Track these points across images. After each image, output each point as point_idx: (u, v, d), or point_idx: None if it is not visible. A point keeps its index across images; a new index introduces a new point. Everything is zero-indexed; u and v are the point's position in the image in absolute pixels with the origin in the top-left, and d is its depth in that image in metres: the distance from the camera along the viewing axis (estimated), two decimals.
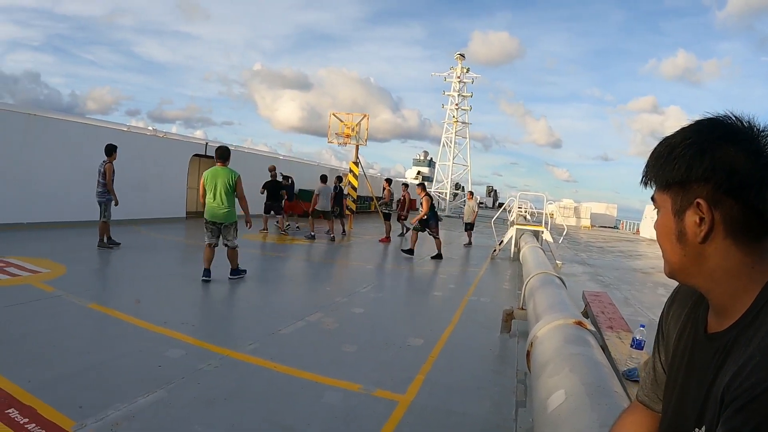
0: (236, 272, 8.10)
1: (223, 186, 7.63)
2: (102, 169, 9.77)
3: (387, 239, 16.17)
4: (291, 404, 3.85)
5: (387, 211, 17.08)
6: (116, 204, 9.91)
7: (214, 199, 7.67)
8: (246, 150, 22.21)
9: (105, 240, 9.92)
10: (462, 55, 53.60)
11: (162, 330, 5.25)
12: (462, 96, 53.67)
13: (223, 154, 7.81)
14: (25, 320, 5.25)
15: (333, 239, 14.85)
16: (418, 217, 13.01)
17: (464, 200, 24.44)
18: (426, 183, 16.68)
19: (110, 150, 9.90)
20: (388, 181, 17.58)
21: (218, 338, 5.19)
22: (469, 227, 17.72)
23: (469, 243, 17.16)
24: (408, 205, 17.90)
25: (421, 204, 13.11)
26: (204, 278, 7.67)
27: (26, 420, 3.18)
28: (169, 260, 10.12)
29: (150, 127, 17.04)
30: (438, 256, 12.68)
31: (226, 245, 7.92)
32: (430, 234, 13.16)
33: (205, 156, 18.54)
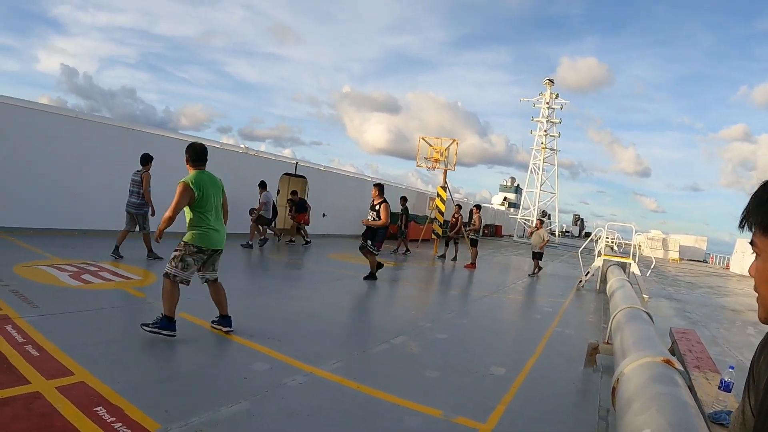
0: (226, 321, 5.72)
1: (219, 201, 5.64)
2: (138, 179, 9.73)
3: (473, 265, 15.87)
4: (372, 425, 3.75)
5: (475, 237, 16.77)
6: (153, 214, 9.81)
7: (216, 219, 5.51)
8: (335, 171, 22.71)
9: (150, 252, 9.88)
10: (551, 81, 52.80)
11: (248, 343, 5.32)
12: (551, 122, 52.74)
13: (203, 154, 5.71)
14: (118, 324, 5.53)
15: (400, 252, 15.01)
16: (472, 228, 14.61)
17: (530, 224, 23.75)
18: (513, 209, 16.79)
19: (146, 159, 9.90)
20: (477, 207, 17.28)
21: (303, 355, 5.16)
22: (538, 256, 16.97)
23: (534, 273, 16.36)
24: (459, 227, 17.88)
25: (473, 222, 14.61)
26: (171, 334, 5.14)
27: (113, 419, 3.25)
28: (256, 275, 10.40)
29: (242, 145, 17.80)
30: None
31: (209, 279, 5.70)
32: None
33: (295, 175, 19.22)
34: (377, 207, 10.31)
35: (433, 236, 20.38)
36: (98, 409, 3.36)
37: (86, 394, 3.58)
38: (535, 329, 8.07)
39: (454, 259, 17.78)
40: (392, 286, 10.91)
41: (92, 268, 8.06)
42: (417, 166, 20.99)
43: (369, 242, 10.43)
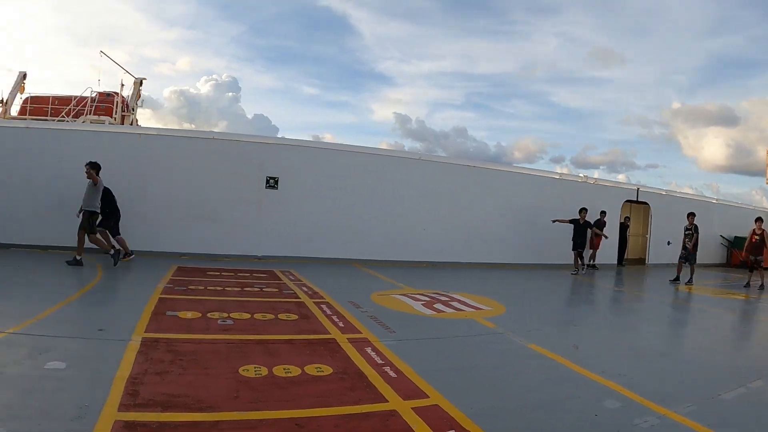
0: None
1: None
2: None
3: None
4: None
5: None
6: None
7: None
8: (677, 194, 20.64)
9: None
10: None
11: (599, 378, 4.97)
12: None
13: None
14: (471, 353, 5.73)
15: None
16: None
17: None
18: None
19: None
20: None
21: (654, 393, 4.62)
22: None
23: None
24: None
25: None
26: None
27: None
28: (602, 308, 9.97)
29: (581, 174, 17.54)
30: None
31: None
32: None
33: (637, 201, 18.28)
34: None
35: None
36: None
37: (440, 416, 3.70)
38: None
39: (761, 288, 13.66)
40: (745, 319, 9.72)
41: (443, 298, 8.59)
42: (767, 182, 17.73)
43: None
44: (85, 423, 3.41)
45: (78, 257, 10.12)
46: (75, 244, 10.25)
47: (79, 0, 66.08)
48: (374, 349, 5.30)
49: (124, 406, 3.67)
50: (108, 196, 10.86)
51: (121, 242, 10.89)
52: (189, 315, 6.47)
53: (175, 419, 3.52)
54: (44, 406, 3.70)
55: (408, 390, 4.15)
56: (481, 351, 5.77)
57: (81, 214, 10.31)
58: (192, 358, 4.81)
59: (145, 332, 5.60)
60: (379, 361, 4.88)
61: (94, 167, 10.35)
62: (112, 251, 10.43)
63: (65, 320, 6.18)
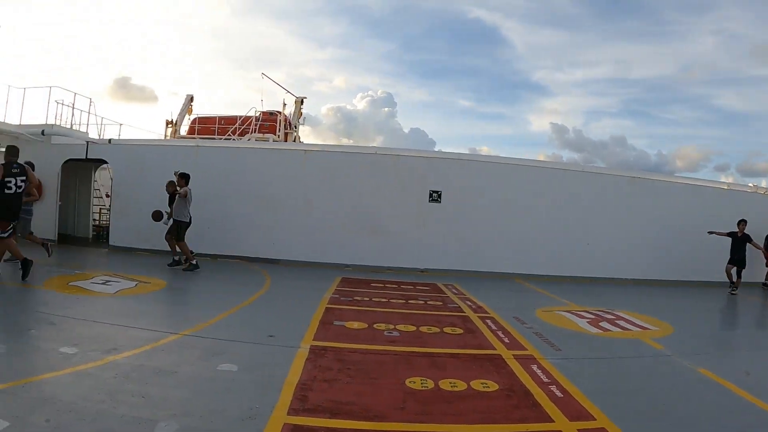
0: None
1: None
2: None
3: None
4: None
5: None
6: None
7: None
8: None
9: None
10: None
11: None
12: None
13: None
14: (638, 375, 5.48)
15: None
16: None
17: None
18: None
19: None
20: None
21: None
22: None
23: None
24: None
25: None
26: None
27: None
28: None
29: (750, 184, 15.72)
30: None
31: None
32: None
33: None
34: None
35: None
36: None
37: None
38: None
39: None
40: None
41: (609, 316, 8.24)
42: None
43: None
44: (255, 424, 3.71)
45: (175, 257, 11.38)
46: (234, 253, 11.89)
47: (234, 26, 72.85)
48: (540, 367, 5.28)
49: (293, 410, 3.93)
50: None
51: (183, 249, 11.50)
52: (356, 325, 6.87)
53: (343, 426, 3.72)
54: (216, 405, 4.05)
55: (574, 411, 4.10)
56: (649, 373, 5.53)
57: (170, 221, 11.41)
58: (359, 368, 5.10)
59: (313, 340, 6.04)
60: (545, 380, 4.86)
61: (183, 177, 11.27)
62: (177, 258, 11.44)
63: (237, 325, 6.79)
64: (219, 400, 4.18)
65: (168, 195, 11.87)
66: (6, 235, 8.44)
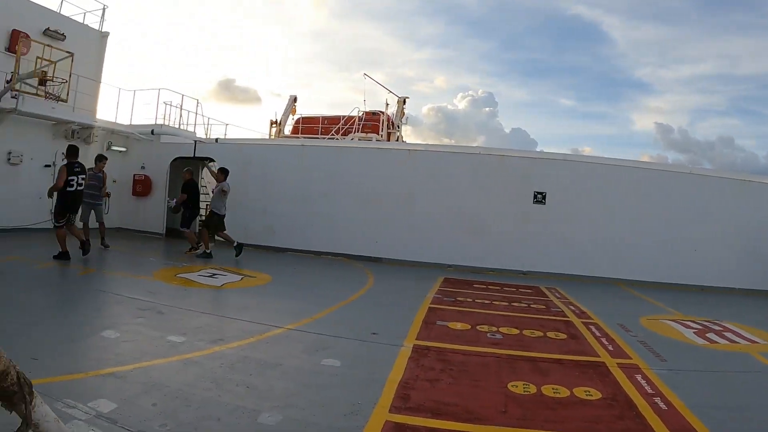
0: None
1: None
2: None
3: None
4: None
5: None
6: None
7: None
8: None
9: None
10: None
11: None
12: None
13: None
14: (745, 391, 5.30)
15: None
16: None
17: None
18: None
19: None
20: None
21: None
22: None
23: None
24: None
25: None
26: None
27: None
28: None
29: None
30: None
31: None
32: None
33: None
34: None
35: None
36: None
37: None
38: None
39: None
40: None
41: (716, 327, 7.99)
42: None
43: None
44: (356, 420, 3.84)
45: (236, 243, 12.06)
46: (337, 251, 12.70)
47: (335, 29, 74.40)
48: (644, 377, 5.27)
49: (395, 408, 4.05)
50: (195, 192, 12.71)
51: (189, 236, 12.44)
52: (458, 326, 7.05)
53: (444, 426, 3.82)
54: (318, 399, 4.22)
55: (678, 426, 4.09)
56: (757, 389, 5.32)
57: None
58: (462, 369, 5.25)
59: (416, 339, 6.24)
60: (649, 391, 4.86)
61: (223, 172, 12.09)
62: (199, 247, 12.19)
63: (340, 322, 7.07)
64: (322, 394, 4.35)
65: (183, 182, 12.88)
66: (60, 224, 9.71)
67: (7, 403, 1.61)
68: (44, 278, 8.62)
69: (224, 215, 12.12)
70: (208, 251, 11.86)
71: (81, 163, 10.03)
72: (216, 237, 12.59)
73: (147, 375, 4.48)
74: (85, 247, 10.15)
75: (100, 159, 11.94)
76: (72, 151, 9.94)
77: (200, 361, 4.97)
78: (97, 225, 11.99)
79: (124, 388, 4.14)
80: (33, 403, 1.65)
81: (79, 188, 9.83)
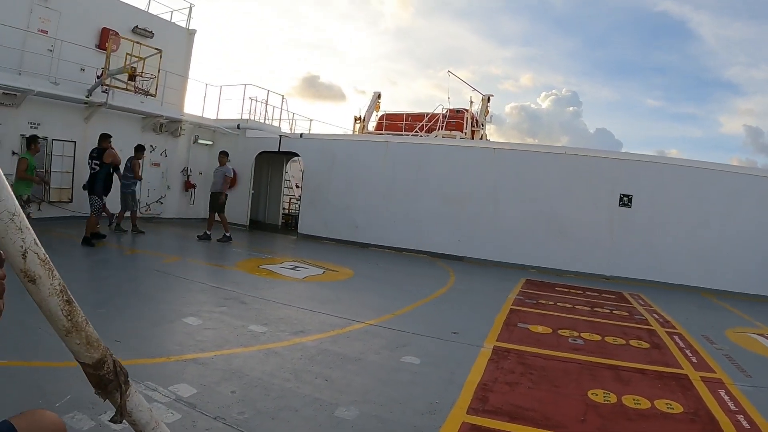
0: None
1: None
2: None
3: None
4: None
5: None
6: None
7: None
8: None
9: None
10: None
11: None
12: None
13: None
14: None
15: None
16: None
17: None
18: None
19: None
20: None
21: None
22: None
23: None
24: None
25: None
26: None
27: None
28: None
29: None
30: None
31: None
32: None
33: None
34: None
35: None
36: None
37: None
38: None
39: None
40: None
41: None
42: None
43: None
44: (434, 419, 3.87)
45: (227, 234, 12.58)
46: (419, 248, 13.01)
47: (419, 26, 74.11)
48: (728, 393, 5.19)
49: (472, 410, 4.07)
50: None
51: (210, 218, 12.98)
52: (540, 329, 7.08)
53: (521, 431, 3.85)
54: (396, 396, 4.27)
55: None
56: None
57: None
58: (542, 374, 5.26)
59: (496, 341, 6.29)
60: (732, 407, 4.79)
61: (224, 154, 13.04)
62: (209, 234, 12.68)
63: (421, 319, 7.22)
64: (400, 391, 4.41)
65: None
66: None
67: (102, 391, 1.59)
68: (130, 265, 9.39)
69: (224, 196, 12.76)
70: (208, 233, 12.65)
71: (97, 148, 10.62)
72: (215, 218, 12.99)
73: (228, 363, 4.67)
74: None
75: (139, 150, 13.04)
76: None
77: (280, 352, 5.14)
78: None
79: (204, 374, 4.35)
80: (128, 393, 1.62)
81: (92, 172, 10.48)
